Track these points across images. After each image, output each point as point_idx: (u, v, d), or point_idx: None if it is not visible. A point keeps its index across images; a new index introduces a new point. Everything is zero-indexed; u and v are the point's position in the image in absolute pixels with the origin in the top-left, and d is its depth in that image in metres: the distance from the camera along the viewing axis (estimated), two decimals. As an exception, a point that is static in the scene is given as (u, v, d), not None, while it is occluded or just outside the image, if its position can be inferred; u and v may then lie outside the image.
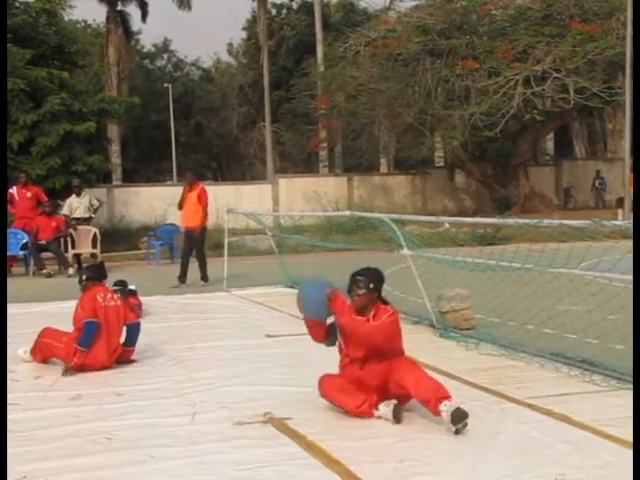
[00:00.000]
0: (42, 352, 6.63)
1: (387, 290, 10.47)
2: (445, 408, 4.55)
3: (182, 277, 12.32)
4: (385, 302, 5.09)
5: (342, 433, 4.63)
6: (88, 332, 6.27)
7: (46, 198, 15.78)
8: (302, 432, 4.64)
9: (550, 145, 37.93)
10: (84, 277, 6.68)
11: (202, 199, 12.43)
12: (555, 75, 23.83)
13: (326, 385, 5.05)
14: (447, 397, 4.65)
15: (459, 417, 4.51)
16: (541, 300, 7.39)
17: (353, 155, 32.98)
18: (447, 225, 17.35)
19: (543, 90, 23.98)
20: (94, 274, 6.76)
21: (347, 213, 13.02)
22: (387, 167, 36.38)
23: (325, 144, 33.26)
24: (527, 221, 7.14)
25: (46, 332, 6.68)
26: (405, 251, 8.22)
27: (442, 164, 32.65)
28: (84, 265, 5.92)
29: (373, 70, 26.75)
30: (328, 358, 6.44)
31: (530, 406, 5.05)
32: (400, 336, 5.06)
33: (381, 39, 26.66)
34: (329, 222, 20.46)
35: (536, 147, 31.62)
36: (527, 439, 4.44)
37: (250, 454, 4.33)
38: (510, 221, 8.69)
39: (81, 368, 6.26)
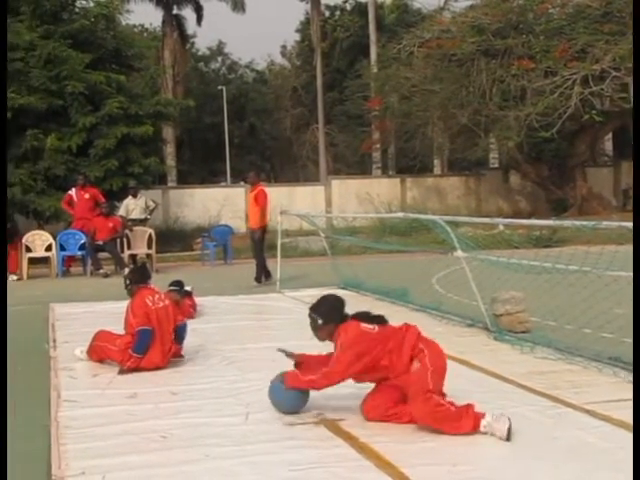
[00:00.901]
0: (97, 354, 6.72)
1: (440, 293, 10.42)
2: None
3: (258, 277, 12.68)
4: (346, 320, 4.92)
5: (395, 435, 4.61)
6: (142, 340, 6.32)
7: (103, 199, 16.05)
8: (354, 434, 4.63)
9: (609, 145, 37.20)
10: (128, 281, 6.68)
11: (259, 200, 12.67)
12: (614, 74, 23.34)
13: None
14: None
15: None
16: (599, 303, 7.25)
17: (406, 156, 32.81)
18: (502, 227, 17.13)
19: (602, 90, 23.51)
20: (138, 277, 6.77)
21: (400, 215, 12.95)
22: (441, 168, 36.13)
23: (378, 145, 33.15)
24: (585, 223, 7.01)
25: (100, 335, 6.76)
26: (459, 253, 8.15)
27: (497, 165, 32.28)
28: (126, 269, 5.92)
29: (427, 71, 26.59)
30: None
31: (588, 411, 4.96)
32: (346, 348, 4.79)
33: (435, 40, 26.48)
34: (382, 224, 20.37)
35: (594, 148, 31.01)
36: (584, 445, 4.36)
37: (302, 455, 4.34)
38: (567, 223, 8.56)
39: (136, 369, 6.34)
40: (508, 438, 4.43)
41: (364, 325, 4.87)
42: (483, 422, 4.55)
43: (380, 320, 5.01)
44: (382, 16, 39.17)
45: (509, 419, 4.52)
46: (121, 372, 6.30)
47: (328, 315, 4.94)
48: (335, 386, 4.99)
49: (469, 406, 4.66)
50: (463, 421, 4.58)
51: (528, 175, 28.81)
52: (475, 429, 4.55)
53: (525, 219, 17.82)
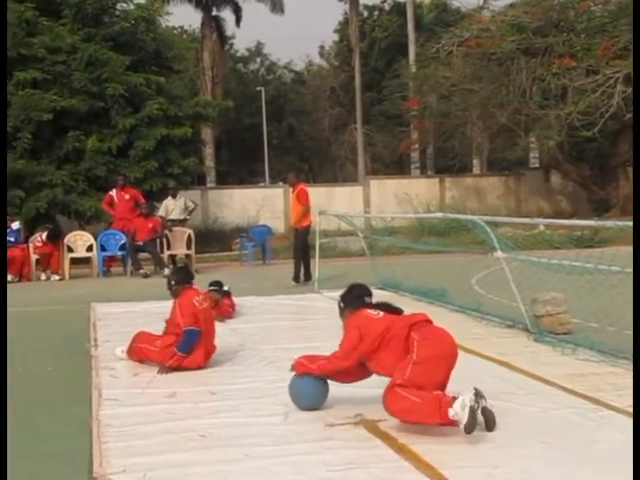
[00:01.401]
0: (137, 355, 6.76)
1: (480, 293, 10.32)
2: None
3: (306, 275, 12.76)
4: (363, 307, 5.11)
5: (434, 437, 4.58)
6: (190, 339, 6.34)
7: (143, 200, 16.19)
8: (393, 435, 4.61)
9: (651, 145, 36.60)
10: (173, 282, 6.69)
11: (301, 198, 12.79)
12: (657, 72, 22.97)
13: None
14: None
15: None
16: (642, 305, 7.12)
17: (445, 156, 32.62)
18: (542, 227, 16.93)
19: (644, 88, 23.16)
20: (183, 277, 6.80)
21: (439, 215, 12.88)
22: (480, 168, 35.86)
23: (417, 145, 33.01)
24: (627, 223, 6.89)
25: (140, 337, 6.80)
26: (498, 253, 8.08)
27: (537, 165, 31.94)
28: (169, 270, 5.92)
29: (466, 70, 26.41)
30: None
31: (630, 414, 4.88)
32: (349, 329, 5.02)
33: (474, 39, 26.30)
34: (420, 224, 20.29)
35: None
36: (627, 448, 4.28)
37: (341, 455, 4.33)
38: (609, 223, 8.41)
39: (177, 368, 6.39)
40: (467, 431, 4.36)
41: (369, 311, 5.03)
42: (451, 411, 4.43)
43: (394, 311, 5.08)
44: (421, 15, 39.00)
45: (472, 410, 4.39)
46: (161, 371, 6.35)
47: (346, 299, 5.22)
48: (374, 387, 4.98)
49: (441, 398, 4.54)
50: (429, 413, 4.51)
51: (569, 175, 28.46)
52: (443, 420, 4.48)
53: (566, 219, 17.60)
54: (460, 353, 6.96)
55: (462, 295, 9.70)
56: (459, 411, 4.40)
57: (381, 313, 5.01)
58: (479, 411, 4.49)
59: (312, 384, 5.17)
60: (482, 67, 25.80)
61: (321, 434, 4.71)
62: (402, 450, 4.36)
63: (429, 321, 5.03)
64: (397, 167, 38.74)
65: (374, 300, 5.26)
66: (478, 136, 28.95)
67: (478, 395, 4.53)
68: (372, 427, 4.78)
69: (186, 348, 6.34)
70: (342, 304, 5.23)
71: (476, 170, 35.38)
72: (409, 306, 9.97)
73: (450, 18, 35.27)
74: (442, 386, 4.73)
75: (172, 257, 15.81)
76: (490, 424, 4.60)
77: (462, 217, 10.37)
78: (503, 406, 5.17)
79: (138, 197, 16.19)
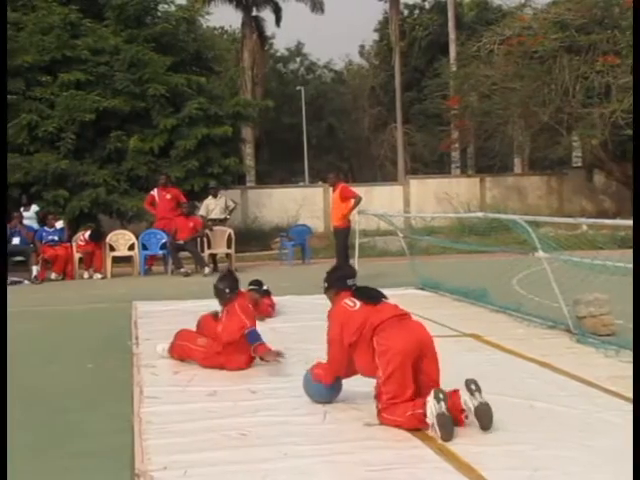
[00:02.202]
0: (178, 353, 6.77)
1: (521, 294, 10.21)
2: None
3: None
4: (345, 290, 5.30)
5: (473, 437, 4.54)
6: (257, 333, 6.33)
7: (185, 199, 16.31)
8: (432, 435, 4.58)
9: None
10: (228, 290, 6.60)
11: (345, 195, 12.75)
12: None
13: None
14: None
15: None
16: (688, 307, 6.99)
17: (486, 155, 32.35)
18: (585, 227, 16.70)
19: (691, 85, 22.73)
20: (235, 284, 6.72)
21: (480, 214, 12.73)
22: (521, 167, 35.49)
23: (457, 145, 32.80)
24: (673, 223, 6.77)
25: (182, 334, 6.82)
26: (540, 254, 8.00)
27: (580, 164, 31.51)
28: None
29: (508, 69, 26.15)
30: (462, 363, 6.35)
31: (675, 418, 4.79)
32: (330, 323, 5.24)
33: (516, 37, 26.03)
34: (461, 223, 20.12)
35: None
36: (672, 453, 4.21)
37: (380, 455, 4.32)
38: (654, 223, 8.27)
39: (221, 368, 6.42)
40: (443, 438, 4.48)
41: (347, 301, 5.18)
42: (428, 421, 4.59)
43: (372, 299, 5.16)
44: (461, 14, 38.73)
45: (440, 417, 4.51)
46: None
47: (330, 279, 5.46)
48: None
49: (418, 416, 4.65)
50: (416, 425, 4.66)
51: (613, 174, 28.02)
52: (419, 425, 4.63)
53: (610, 219, 17.34)
54: (501, 354, 6.95)
55: (503, 295, 9.61)
56: (434, 421, 4.55)
57: (358, 304, 5.13)
58: (473, 408, 4.59)
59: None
60: (524, 65, 25.52)
61: (360, 434, 4.70)
62: (442, 451, 4.34)
63: (398, 316, 5.08)
64: (437, 166, 38.54)
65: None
66: (519, 135, 28.65)
67: (471, 391, 4.63)
68: (411, 427, 4.76)
69: (258, 338, 6.31)
70: (326, 284, 5.46)
71: (517, 169, 35.03)
72: (449, 307, 9.98)
73: (491, 16, 35.00)
74: (426, 379, 4.86)
75: (212, 256, 15.90)
76: (484, 422, 4.60)
77: (503, 217, 10.27)
78: (544, 408, 5.13)
79: (179, 196, 16.31)
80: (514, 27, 26.70)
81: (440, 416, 4.52)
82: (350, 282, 5.36)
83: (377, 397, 4.88)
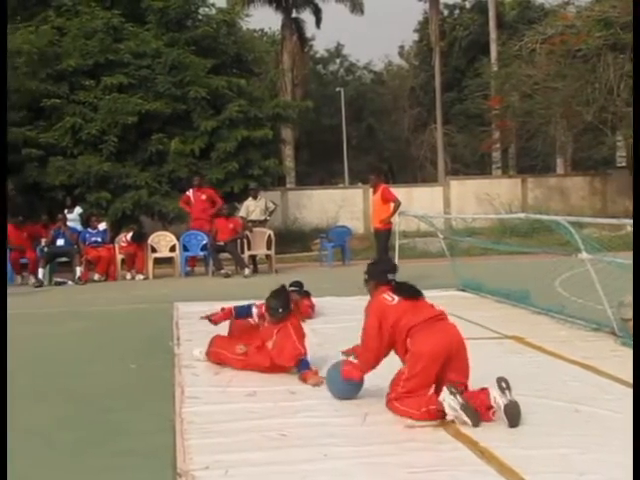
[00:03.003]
0: (215, 358, 6.72)
1: (564, 296, 10.08)
2: None
3: None
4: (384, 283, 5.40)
5: (516, 441, 4.49)
6: (307, 364, 6.22)
7: (220, 200, 16.38)
8: (475, 437, 4.54)
9: None
10: (281, 310, 6.37)
11: (386, 197, 12.75)
12: None
13: None
14: None
15: None
16: None
17: (528, 156, 32.08)
18: (629, 228, 16.45)
19: None
20: (288, 303, 6.49)
21: (521, 215, 12.59)
22: (564, 168, 35.07)
23: (498, 145, 32.54)
24: None
25: (217, 341, 6.76)
26: (583, 255, 7.88)
27: (624, 164, 31.04)
28: (273, 295, 5.70)
29: (550, 68, 25.88)
30: (503, 365, 6.29)
31: None
32: (367, 315, 5.33)
33: (559, 35, 25.75)
34: (502, 224, 19.93)
35: None
36: None
37: (421, 457, 4.30)
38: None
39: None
40: (474, 424, 4.67)
41: (385, 295, 5.27)
42: (449, 415, 4.77)
43: (412, 295, 5.30)
44: (503, 13, 38.42)
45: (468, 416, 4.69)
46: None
47: (371, 272, 5.54)
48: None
49: (429, 399, 4.88)
50: (414, 409, 4.89)
51: (658, 174, 27.57)
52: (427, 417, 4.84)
53: (655, 220, 17.03)
54: (543, 356, 6.87)
55: (545, 297, 9.50)
56: (455, 414, 4.74)
57: (396, 299, 5.24)
58: (503, 406, 4.69)
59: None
60: (567, 64, 25.23)
61: (401, 435, 4.68)
62: (484, 454, 4.29)
63: (431, 318, 5.16)
64: (478, 167, 38.26)
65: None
66: (562, 135, 28.35)
67: (502, 389, 4.74)
68: (453, 429, 4.72)
69: (308, 365, 6.22)
70: (367, 276, 5.54)
71: (560, 170, 34.62)
72: (490, 308, 9.89)
73: (533, 15, 34.68)
74: (454, 378, 4.96)
75: (252, 257, 15.97)
76: (512, 421, 4.69)
77: (545, 218, 10.12)
78: (588, 411, 5.05)
79: (214, 197, 16.39)
80: (557, 25, 26.42)
81: (464, 406, 4.69)
82: (390, 277, 5.46)
83: (393, 385, 5.08)
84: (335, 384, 5.53)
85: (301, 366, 6.19)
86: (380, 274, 5.48)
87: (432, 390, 4.96)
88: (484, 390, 4.85)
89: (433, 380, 4.99)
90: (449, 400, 4.75)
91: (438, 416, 4.81)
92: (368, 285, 5.54)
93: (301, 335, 6.35)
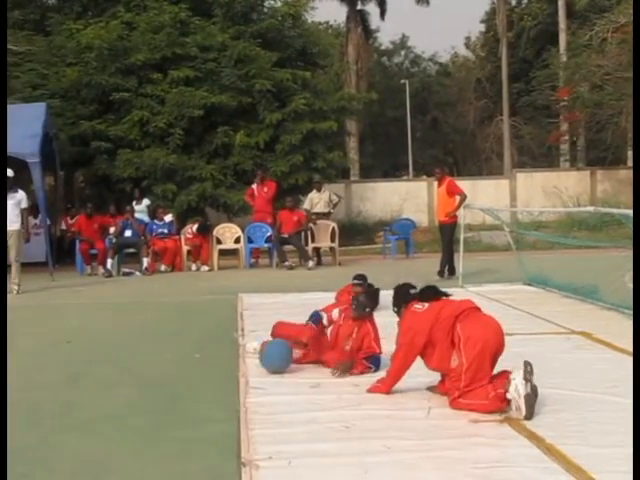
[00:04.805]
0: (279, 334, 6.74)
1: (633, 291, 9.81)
2: None
3: (450, 270, 12.67)
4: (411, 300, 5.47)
5: (584, 438, 4.41)
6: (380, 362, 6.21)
7: (274, 194, 16.31)
8: (540, 434, 4.47)
9: None
10: (368, 309, 6.38)
11: (453, 190, 12.69)
12: None
13: None
14: None
15: None
16: None
17: (597, 148, 31.36)
18: None
19: None
20: (375, 305, 6.50)
21: (590, 209, 12.35)
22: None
23: (567, 137, 31.92)
24: None
25: (279, 327, 6.88)
26: (655, 250, 7.67)
27: (699, 156, 30.15)
28: (367, 293, 5.67)
29: (622, 57, 25.23)
30: (571, 361, 6.18)
31: None
32: (400, 334, 5.36)
33: (632, 23, 25.09)
34: (570, 218, 19.58)
35: None
36: None
37: (486, 453, 4.25)
38: None
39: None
40: (527, 417, 4.68)
41: (415, 305, 5.33)
42: (508, 395, 4.77)
43: (439, 295, 5.43)
44: (572, 2, 37.51)
45: (528, 396, 4.70)
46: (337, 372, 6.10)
47: (397, 302, 5.55)
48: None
49: (500, 396, 4.82)
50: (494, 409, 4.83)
51: None
52: (501, 405, 4.82)
53: None
54: (612, 353, 6.73)
55: (614, 292, 9.28)
56: (516, 397, 4.74)
57: (426, 304, 5.30)
58: (523, 395, 4.71)
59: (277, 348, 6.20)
60: None
61: (465, 430, 4.64)
62: (550, 451, 4.22)
63: (475, 308, 5.22)
64: (545, 160, 37.59)
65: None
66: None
67: (526, 376, 4.75)
68: (518, 425, 4.66)
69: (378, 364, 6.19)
70: (395, 308, 5.56)
71: (630, 162, 33.76)
72: (558, 303, 9.72)
73: (605, 3, 33.76)
74: (492, 368, 5.02)
75: (316, 250, 16.01)
76: (528, 412, 4.72)
77: (615, 211, 9.90)
78: (659, 410, 4.92)
79: (274, 191, 16.42)
80: (629, 13, 25.70)
81: (528, 396, 4.70)
82: (413, 291, 5.56)
83: (453, 383, 5.04)
84: (272, 359, 6.11)
85: (373, 362, 6.15)
86: (403, 296, 5.54)
87: (488, 380, 4.93)
88: (505, 373, 4.92)
89: (490, 368, 4.98)
90: (519, 382, 4.74)
91: (507, 401, 4.81)
92: (400, 313, 5.54)
93: (378, 336, 6.31)
